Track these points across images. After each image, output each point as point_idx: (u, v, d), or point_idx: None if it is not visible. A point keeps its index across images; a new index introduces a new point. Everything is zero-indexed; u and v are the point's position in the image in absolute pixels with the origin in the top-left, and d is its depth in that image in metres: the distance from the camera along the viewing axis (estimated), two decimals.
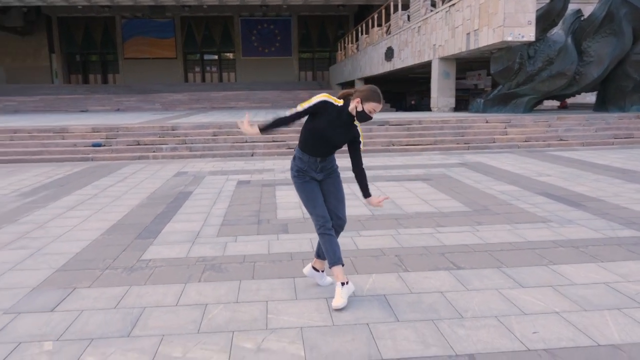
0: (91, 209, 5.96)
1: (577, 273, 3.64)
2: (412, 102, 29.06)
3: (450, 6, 15.74)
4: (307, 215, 5.43)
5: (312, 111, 3.06)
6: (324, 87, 35.26)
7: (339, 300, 3.07)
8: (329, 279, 3.46)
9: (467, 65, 21.15)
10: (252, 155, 10.81)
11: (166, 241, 4.60)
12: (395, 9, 21.87)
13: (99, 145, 10.98)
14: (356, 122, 3.14)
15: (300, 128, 3.22)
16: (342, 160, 3.44)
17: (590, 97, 18.92)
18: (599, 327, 2.81)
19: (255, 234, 4.83)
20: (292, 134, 11.57)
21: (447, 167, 8.92)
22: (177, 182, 7.80)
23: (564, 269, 3.73)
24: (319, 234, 3.17)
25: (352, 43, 30.03)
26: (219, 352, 2.60)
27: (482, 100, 15.79)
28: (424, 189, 6.89)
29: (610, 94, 15.28)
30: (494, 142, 11.86)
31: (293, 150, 10.90)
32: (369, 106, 3.02)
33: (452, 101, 17.38)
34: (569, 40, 14.37)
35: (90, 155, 10.53)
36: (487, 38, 13.52)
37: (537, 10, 13.25)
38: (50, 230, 5.02)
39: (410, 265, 3.87)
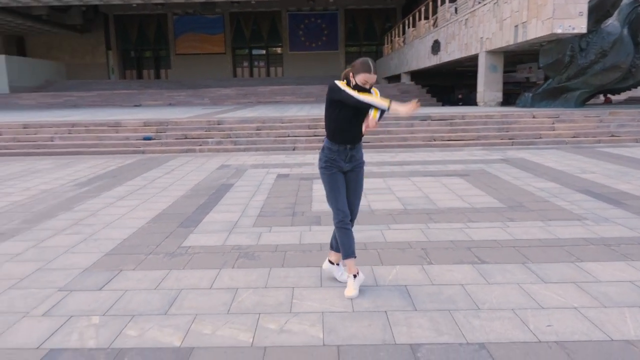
0: (139, 199, 6.37)
1: (603, 271, 3.64)
2: (459, 97, 28.53)
3: None
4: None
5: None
6: None
7: (351, 290, 3.24)
8: (346, 275, 3.52)
9: (517, 58, 20.62)
10: (293, 149, 11.06)
11: (205, 230, 4.89)
12: (443, 1, 21.57)
13: (149, 138, 11.54)
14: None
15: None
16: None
17: None
18: (615, 324, 2.85)
19: (289, 225, 5.04)
20: None
21: (487, 163, 8.85)
22: (220, 174, 8.15)
23: (590, 266, 3.74)
24: (337, 228, 3.31)
25: (398, 36, 29.80)
26: (245, 331, 2.82)
27: (531, 95, 15.41)
28: (460, 185, 6.90)
29: None
30: (540, 137, 11.59)
31: None
32: (360, 78, 3.13)
33: (499, 95, 17.03)
34: (625, 31, 13.79)
35: (141, 148, 11.10)
36: (535, 30, 13.18)
37: (589, 1, 12.79)
38: (102, 218, 5.43)
39: (435, 258, 3.97)
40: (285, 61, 39.77)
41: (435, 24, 22.74)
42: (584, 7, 12.36)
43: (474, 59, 18.34)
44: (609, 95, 18.19)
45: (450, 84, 30.87)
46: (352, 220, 3.40)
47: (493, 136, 11.60)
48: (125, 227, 5.06)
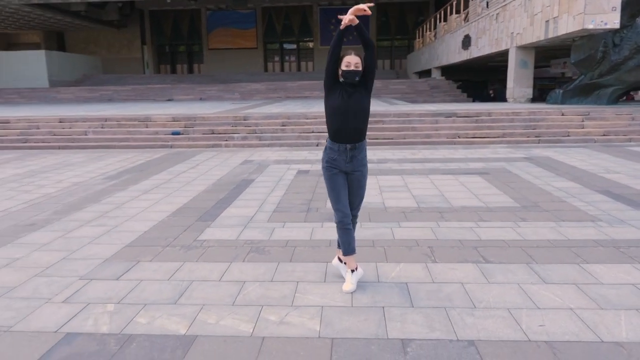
0: (163, 193, 6.63)
1: (607, 273, 3.65)
2: (490, 93, 28.07)
3: None
4: None
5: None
6: (401, 75, 34.96)
7: (349, 285, 3.37)
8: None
9: (550, 53, 20.17)
10: (317, 145, 11.20)
11: (222, 224, 5.09)
12: None
13: (177, 133, 11.88)
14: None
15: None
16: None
17: None
18: (609, 326, 2.88)
19: (303, 221, 5.19)
20: None
21: (510, 161, 8.78)
22: (242, 170, 8.36)
23: (595, 268, 3.75)
24: (337, 227, 3.43)
25: (430, 31, 29.50)
26: (247, 322, 2.99)
27: (561, 91, 15.10)
28: (478, 184, 6.91)
29: None
30: (567, 135, 11.38)
31: None
32: (343, 64, 3.24)
33: (529, 92, 16.75)
34: None
35: (169, 143, 11.45)
36: (566, 26, 12.91)
37: None
38: (126, 211, 5.70)
39: (439, 256, 4.05)
40: (316, 56, 39.88)
41: (466, 19, 22.45)
42: (617, 1, 12.05)
43: (504, 55, 18.06)
44: (631, 93, 17.64)
45: (482, 79, 30.40)
46: (353, 220, 3.51)
47: (519, 134, 11.45)
48: (147, 219, 5.31)
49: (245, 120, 12.43)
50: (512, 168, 8.06)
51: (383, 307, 3.15)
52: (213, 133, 11.92)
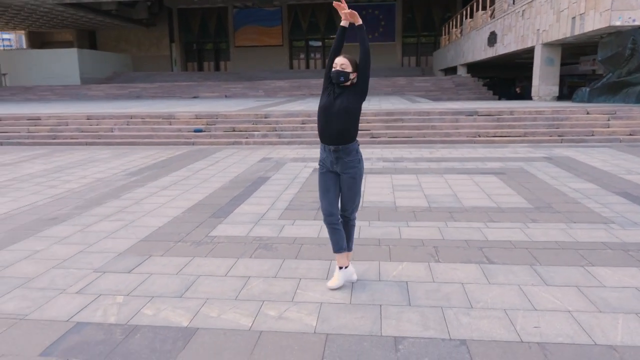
0: (181, 189, 6.81)
1: (611, 276, 3.63)
2: (517, 90, 27.57)
3: None
4: (364, 203, 5.81)
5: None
6: (427, 73, 34.68)
7: (335, 281, 3.45)
8: (354, 277, 3.59)
9: (578, 50, 19.71)
10: None
11: (234, 221, 5.22)
12: None
13: (200, 131, 12.11)
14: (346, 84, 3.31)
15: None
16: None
17: None
18: (605, 329, 2.89)
19: (312, 219, 5.28)
20: (376, 124, 11.84)
21: (529, 161, 8.68)
22: (259, 167, 8.50)
23: (599, 270, 3.73)
24: (325, 225, 3.49)
25: (456, 27, 29.17)
26: (247, 316, 3.10)
27: (588, 89, 14.77)
28: (493, 183, 6.87)
29: None
30: (592, 135, 11.16)
31: (376, 139, 11.19)
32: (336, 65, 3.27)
33: (555, 90, 16.44)
34: None
35: (192, 140, 11.69)
36: (593, 23, 12.62)
37: None
38: (144, 206, 5.89)
39: (443, 256, 4.09)
40: (341, 52, 39.80)
41: (492, 15, 22.13)
42: None
43: (531, 52, 17.76)
44: None
45: (510, 76, 29.89)
46: (348, 221, 3.55)
47: (541, 133, 11.29)
48: (163, 215, 5.48)
49: (266, 118, 12.58)
50: (530, 168, 7.97)
51: (380, 305, 3.22)
52: (234, 130, 12.12)
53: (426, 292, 3.42)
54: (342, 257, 3.48)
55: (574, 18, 13.67)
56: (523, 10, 17.63)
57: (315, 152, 10.21)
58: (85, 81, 31.09)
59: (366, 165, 8.53)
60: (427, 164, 8.53)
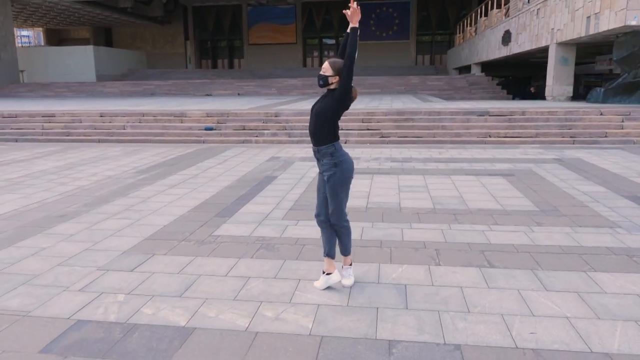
0: (188, 188, 6.88)
1: (613, 282, 3.60)
2: (532, 90, 27.27)
3: None
4: (368, 204, 5.82)
5: None
6: (441, 71, 34.45)
7: (318, 283, 3.52)
8: (352, 280, 3.59)
9: (594, 49, 19.43)
10: (345, 143, 11.25)
11: (238, 220, 5.26)
12: None
13: (211, 129, 12.20)
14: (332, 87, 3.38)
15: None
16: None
17: None
18: (602, 336, 2.86)
19: None
20: (387, 123, 11.81)
21: (538, 162, 8.61)
22: (267, 166, 8.54)
23: (601, 276, 3.70)
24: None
25: (470, 26, 28.93)
26: (244, 316, 3.13)
27: (603, 90, 14.57)
28: (500, 185, 6.83)
29: None
30: (605, 136, 11.02)
31: (385, 139, 11.16)
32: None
33: (569, 90, 16.24)
34: None
35: (202, 138, 11.78)
36: (607, 22, 12.44)
37: None
38: (150, 205, 5.96)
39: (444, 259, 4.08)
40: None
41: (507, 14, 21.91)
42: None
43: (545, 51, 17.55)
44: None
45: (525, 75, 29.57)
46: (331, 225, 3.52)
47: (553, 134, 11.16)
48: (169, 214, 5.55)
49: (276, 116, 12.62)
50: (539, 170, 7.90)
51: (377, 308, 3.23)
52: (244, 129, 12.17)
53: (424, 295, 3.42)
54: (326, 262, 3.53)
55: (588, 17, 13.49)
56: (538, 9, 17.43)
57: None
58: (101, 78, 31.43)
59: (374, 165, 8.54)
60: (436, 165, 8.50)
